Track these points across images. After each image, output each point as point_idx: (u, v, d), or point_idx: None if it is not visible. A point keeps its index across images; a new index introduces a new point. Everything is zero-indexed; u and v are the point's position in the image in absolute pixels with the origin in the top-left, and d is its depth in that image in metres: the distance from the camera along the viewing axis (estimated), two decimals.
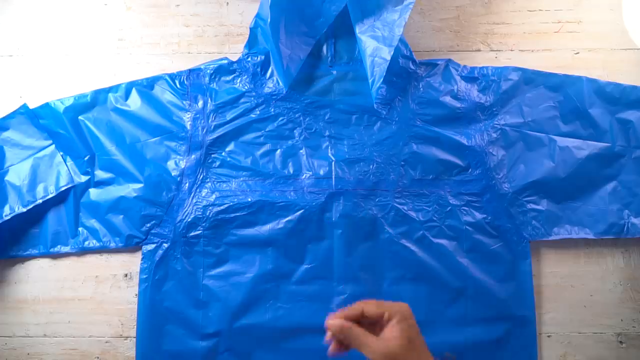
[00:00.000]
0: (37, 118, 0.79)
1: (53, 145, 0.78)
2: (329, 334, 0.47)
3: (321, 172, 0.76)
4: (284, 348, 0.73)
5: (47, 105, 0.79)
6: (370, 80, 0.73)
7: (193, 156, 0.77)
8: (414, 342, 0.45)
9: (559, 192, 0.76)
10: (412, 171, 0.76)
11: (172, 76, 0.80)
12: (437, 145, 0.77)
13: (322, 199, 0.75)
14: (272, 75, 0.79)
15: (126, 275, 0.78)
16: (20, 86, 0.83)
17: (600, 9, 0.83)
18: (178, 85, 0.79)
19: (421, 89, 0.79)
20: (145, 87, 0.80)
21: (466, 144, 0.76)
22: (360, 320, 0.47)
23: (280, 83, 0.78)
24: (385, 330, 0.46)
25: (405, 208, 0.75)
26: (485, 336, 0.72)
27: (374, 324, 0.47)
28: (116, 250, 0.78)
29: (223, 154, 0.77)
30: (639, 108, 0.77)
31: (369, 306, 0.47)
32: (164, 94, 0.79)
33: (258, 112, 0.78)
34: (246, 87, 0.79)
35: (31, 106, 0.79)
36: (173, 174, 0.77)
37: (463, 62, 0.80)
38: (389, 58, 0.71)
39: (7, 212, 0.74)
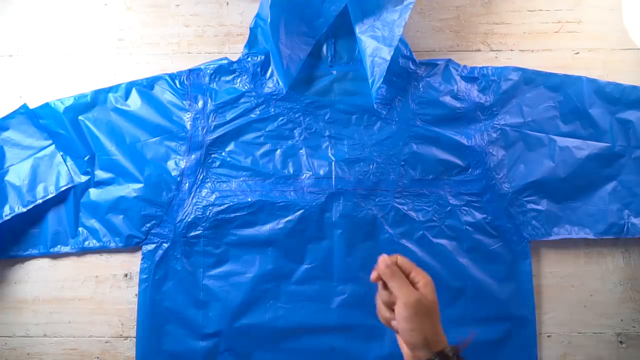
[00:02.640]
0: (37, 118, 0.79)
1: (53, 145, 0.78)
2: (375, 274, 0.53)
3: (321, 172, 0.76)
4: (284, 348, 0.73)
5: (47, 105, 0.79)
6: (370, 80, 0.73)
7: (193, 156, 0.77)
8: (437, 304, 0.51)
9: (559, 192, 0.75)
10: (412, 171, 0.76)
11: (172, 76, 0.80)
12: (437, 145, 0.77)
13: (322, 199, 0.75)
14: (272, 75, 0.79)
15: (126, 275, 0.78)
16: (20, 86, 0.83)
17: (600, 9, 0.83)
18: (178, 85, 0.79)
19: (421, 89, 0.79)
20: (145, 87, 0.80)
21: (466, 144, 0.76)
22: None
23: (280, 83, 0.78)
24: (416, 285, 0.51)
25: (405, 208, 0.75)
26: (485, 336, 0.72)
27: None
28: (116, 250, 0.78)
29: (223, 154, 0.77)
30: (639, 108, 0.77)
31: (404, 260, 0.52)
32: (164, 94, 0.79)
33: (258, 112, 0.78)
34: (246, 87, 0.79)
35: (31, 106, 0.79)
36: (173, 174, 0.77)
37: (463, 62, 0.80)
38: (389, 58, 0.71)
39: (7, 212, 0.74)
